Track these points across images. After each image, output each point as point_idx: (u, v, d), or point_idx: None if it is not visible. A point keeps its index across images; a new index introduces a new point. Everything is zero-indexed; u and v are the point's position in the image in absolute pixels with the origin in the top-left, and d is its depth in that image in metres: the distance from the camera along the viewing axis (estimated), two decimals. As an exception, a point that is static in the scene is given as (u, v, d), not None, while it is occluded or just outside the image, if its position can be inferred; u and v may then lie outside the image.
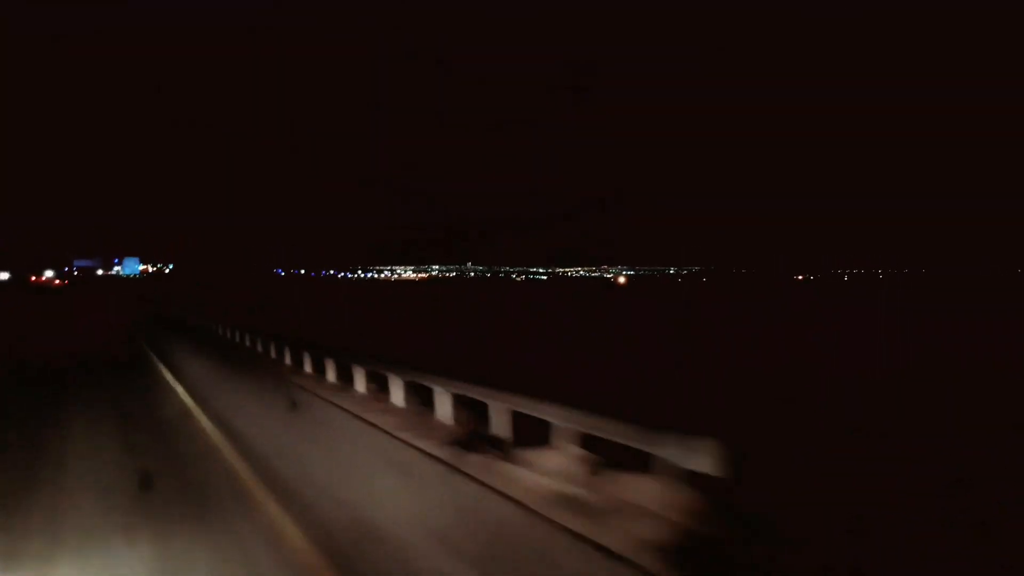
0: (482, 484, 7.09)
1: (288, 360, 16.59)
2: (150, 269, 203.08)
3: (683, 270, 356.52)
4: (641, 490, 6.22)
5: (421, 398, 10.43)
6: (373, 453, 8.86)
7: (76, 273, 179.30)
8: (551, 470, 7.04)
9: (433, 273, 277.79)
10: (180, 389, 15.05)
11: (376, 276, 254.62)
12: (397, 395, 11.01)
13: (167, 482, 8.01)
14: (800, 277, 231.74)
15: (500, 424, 8.06)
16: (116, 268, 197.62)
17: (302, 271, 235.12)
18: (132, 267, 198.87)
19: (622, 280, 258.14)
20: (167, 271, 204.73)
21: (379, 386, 11.77)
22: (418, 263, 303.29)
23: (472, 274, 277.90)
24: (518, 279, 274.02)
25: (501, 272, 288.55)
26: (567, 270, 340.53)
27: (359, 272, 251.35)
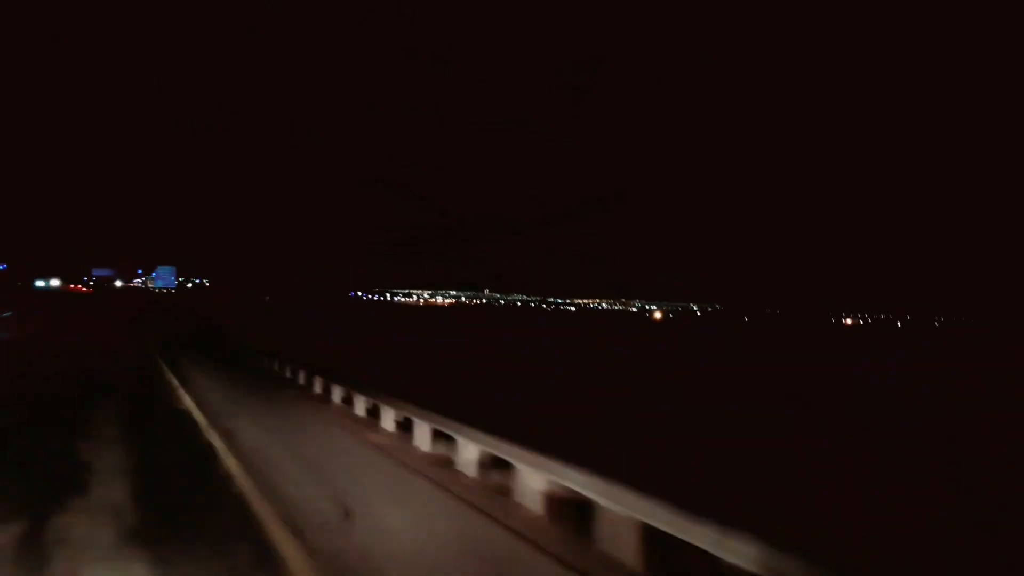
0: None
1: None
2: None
3: (707, 307, 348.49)
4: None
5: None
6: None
7: (92, 283, 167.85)
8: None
9: (461, 299, 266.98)
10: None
11: (403, 299, 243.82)
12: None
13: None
14: (849, 321, 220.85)
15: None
16: (139, 280, 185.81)
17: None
18: (167, 279, 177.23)
19: (658, 315, 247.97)
20: (200, 286, 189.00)
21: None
22: (432, 287, 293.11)
23: (502, 301, 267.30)
24: (548, 309, 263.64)
25: (531, 301, 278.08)
26: (589, 301, 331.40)
27: (386, 295, 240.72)
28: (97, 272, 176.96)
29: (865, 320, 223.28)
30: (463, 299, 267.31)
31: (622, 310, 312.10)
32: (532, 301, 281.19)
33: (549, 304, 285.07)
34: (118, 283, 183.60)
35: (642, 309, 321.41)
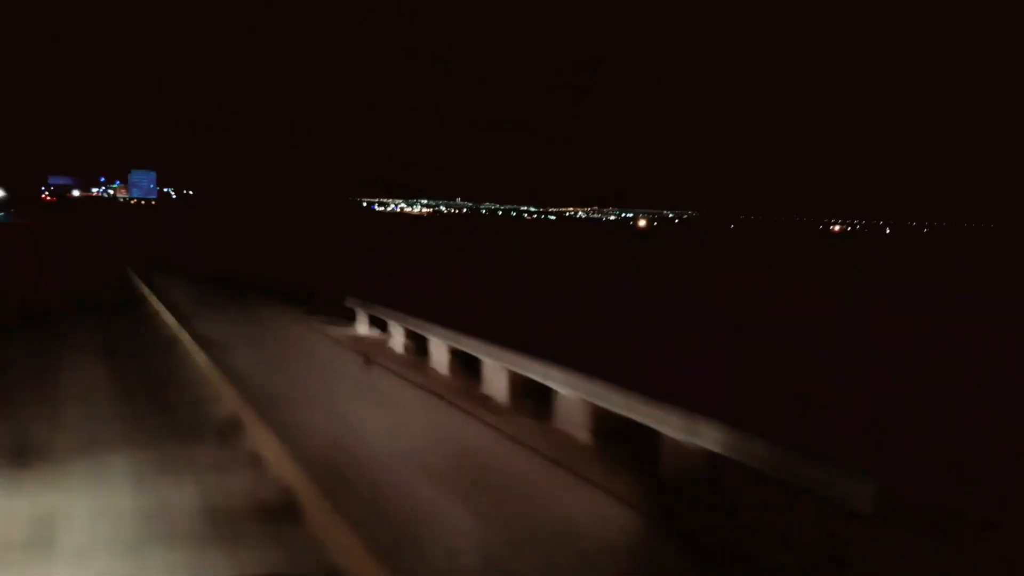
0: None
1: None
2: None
3: (683, 214, 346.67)
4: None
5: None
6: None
7: (49, 196, 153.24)
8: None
9: (440, 209, 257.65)
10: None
11: (380, 209, 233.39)
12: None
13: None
14: (838, 228, 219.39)
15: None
16: (101, 189, 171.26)
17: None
18: (145, 187, 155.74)
19: (642, 223, 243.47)
20: (180, 197, 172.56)
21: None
22: (407, 196, 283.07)
23: (484, 211, 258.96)
24: (529, 218, 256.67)
25: (511, 210, 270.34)
26: (567, 210, 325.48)
27: (363, 204, 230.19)
28: (54, 180, 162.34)
29: (852, 227, 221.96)
30: (441, 209, 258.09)
31: (600, 219, 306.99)
32: (511, 210, 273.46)
33: (528, 213, 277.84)
34: (76, 192, 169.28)
35: (620, 217, 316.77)
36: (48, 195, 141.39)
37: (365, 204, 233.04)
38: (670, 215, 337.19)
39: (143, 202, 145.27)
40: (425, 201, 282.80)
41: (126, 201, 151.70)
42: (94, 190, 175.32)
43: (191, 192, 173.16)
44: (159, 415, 7.43)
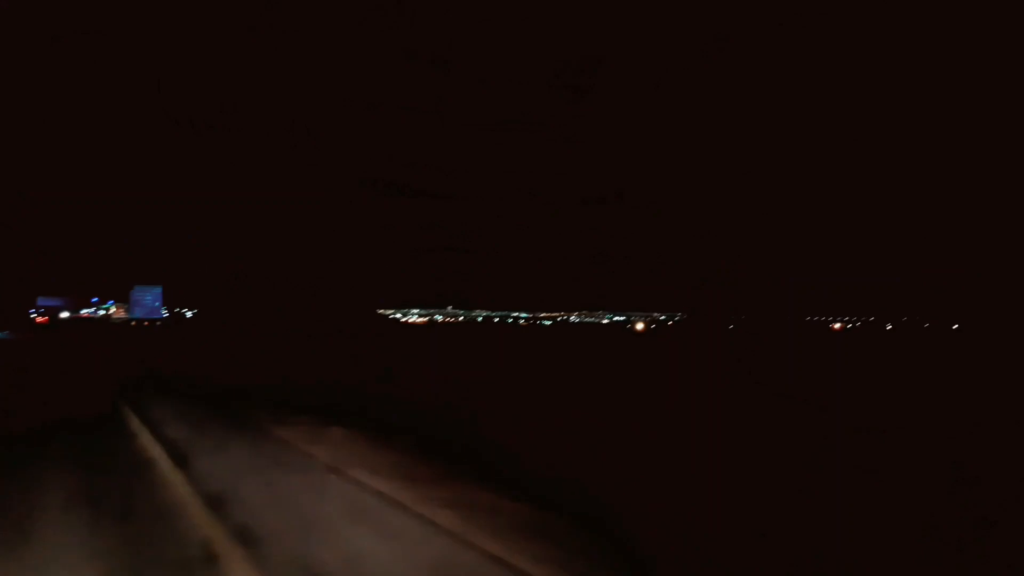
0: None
1: None
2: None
3: (675, 316, 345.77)
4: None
5: None
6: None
7: (39, 318, 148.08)
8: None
9: (435, 318, 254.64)
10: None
11: (404, 320, 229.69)
12: None
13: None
14: (839, 326, 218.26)
15: None
16: (92, 310, 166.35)
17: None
18: (149, 305, 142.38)
19: (640, 327, 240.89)
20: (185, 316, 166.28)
21: None
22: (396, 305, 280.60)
23: (480, 319, 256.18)
24: (524, 324, 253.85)
25: (509, 317, 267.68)
26: (558, 315, 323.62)
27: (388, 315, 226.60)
28: (44, 302, 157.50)
29: (853, 324, 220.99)
30: (438, 318, 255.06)
31: (594, 322, 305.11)
32: (507, 316, 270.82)
33: (521, 319, 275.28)
34: (65, 314, 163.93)
35: (611, 321, 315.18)
36: (39, 316, 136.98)
37: (388, 315, 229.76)
38: (661, 317, 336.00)
39: (146, 323, 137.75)
40: (417, 311, 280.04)
41: (124, 322, 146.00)
42: (84, 311, 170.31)
43: (190, 311, 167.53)
44: None
